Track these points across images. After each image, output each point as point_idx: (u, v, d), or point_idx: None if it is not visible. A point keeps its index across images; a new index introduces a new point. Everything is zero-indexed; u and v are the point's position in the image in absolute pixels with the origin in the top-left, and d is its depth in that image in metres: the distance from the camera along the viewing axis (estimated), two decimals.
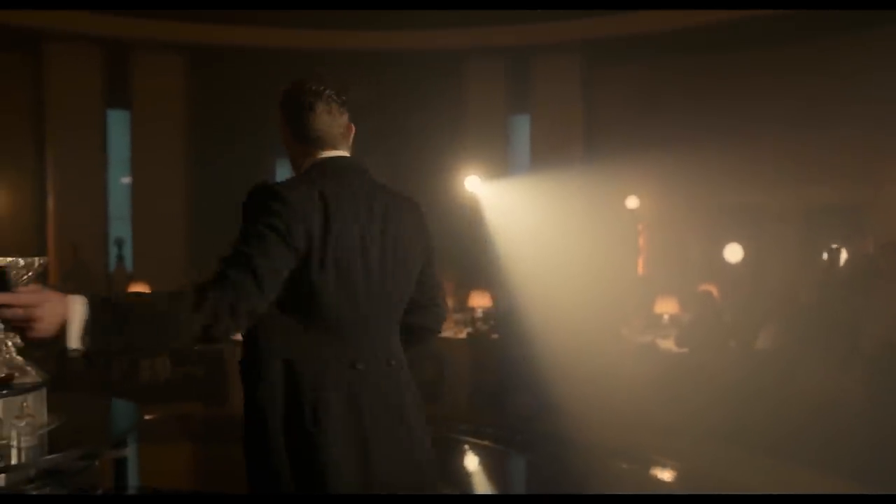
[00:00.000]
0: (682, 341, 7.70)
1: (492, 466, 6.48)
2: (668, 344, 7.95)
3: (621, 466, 6.17)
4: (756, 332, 7.83)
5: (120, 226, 12.33)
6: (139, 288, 10.16)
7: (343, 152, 2.26)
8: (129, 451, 3.39)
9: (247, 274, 1.94)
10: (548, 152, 11.75)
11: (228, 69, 12.26)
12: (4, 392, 3.15)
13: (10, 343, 3.31)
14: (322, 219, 2.07)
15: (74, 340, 1.79)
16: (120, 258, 12.09)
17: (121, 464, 3.34)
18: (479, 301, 8.83)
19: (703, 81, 11.38)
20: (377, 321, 2.19)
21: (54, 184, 11.91)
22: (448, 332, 8.73)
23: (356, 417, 2.11)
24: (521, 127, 12.59)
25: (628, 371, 7.72)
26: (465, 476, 6.20)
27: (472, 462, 6.61)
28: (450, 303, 9.45)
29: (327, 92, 2.24)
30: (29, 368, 3.29)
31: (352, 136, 2.31)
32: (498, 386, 8.06)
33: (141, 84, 12.12)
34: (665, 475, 6.10)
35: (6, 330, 3.05)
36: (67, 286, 11.05)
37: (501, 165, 12.12)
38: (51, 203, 11.92)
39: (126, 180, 12.49)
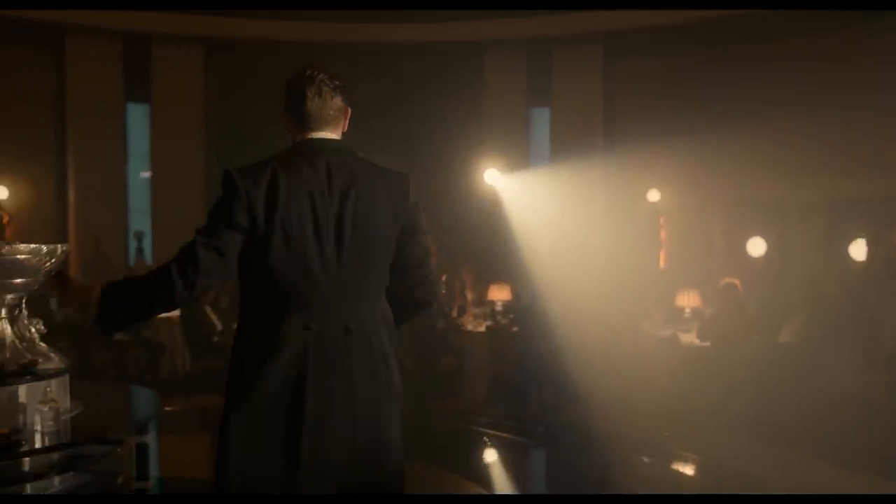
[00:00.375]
0: (704, 334, 7.68)
1: (512, 459, 6.50)
2: (689, 337, 7.94)
3: (642, 459, 6.17)
4: (779, 326, 7.80)
5: (140, 219, 12.44)
6: None
7: (330, 134, 2.48)
8: (150, 439, 3.45)
9: (190, 256, 2.32)
10: (568, 145, 11.74)
11: (247, 62, 12.32)
12: (28, 377, 3.22)
13: (33, 329, 3.38)
14: (268, 197, 2.34)
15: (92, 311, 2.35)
16: (140, 251, 12.20)
17: (142, 449, 3.39)
18: (499, 294, 8.85)
19: (726, 72, 11.33)
20: (335, 287, 2.38)
21: (75, 177, 12.05)
22: (468, 325, 8.78)
23: (301, 376, 2.33)
24: (541, 120, 12.57)
25: (649, 364, 7.72)
26: (484, 468, 6.23)
27: (491, 454, 6.63)
28: (468, 296, 9.50)
29: (320, 77, 2.46)
30: (52, 355, 3.36)
31: (347, 118, 2.53)
32: (517, 379, 8.07)
33: (160, 77, 12.23)
34: (686, 468, 6.10)
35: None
36: (87, 278, 11.20)
37: (521, 158, 12.12)
38: (72, 196, 12.06)
39: (146, 174, 12.60)
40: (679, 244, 11.84)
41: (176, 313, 9.72)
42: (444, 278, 10.05)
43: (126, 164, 12.41)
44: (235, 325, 2.51)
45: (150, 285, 2.36)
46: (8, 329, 3.32)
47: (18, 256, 3.19)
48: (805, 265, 10.29)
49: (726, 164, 11.18)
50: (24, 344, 3.33)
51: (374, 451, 2.41)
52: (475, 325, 8.77)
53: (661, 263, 11.92)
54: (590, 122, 12.03)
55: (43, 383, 3.22)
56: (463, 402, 8.30)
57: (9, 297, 3.29)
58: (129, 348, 8.91)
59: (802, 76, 10.50)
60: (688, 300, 8.38)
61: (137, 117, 12.47)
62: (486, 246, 11.54)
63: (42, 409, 3.08)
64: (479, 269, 10.40)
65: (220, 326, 9.06)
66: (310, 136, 2.46)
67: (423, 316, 2.71)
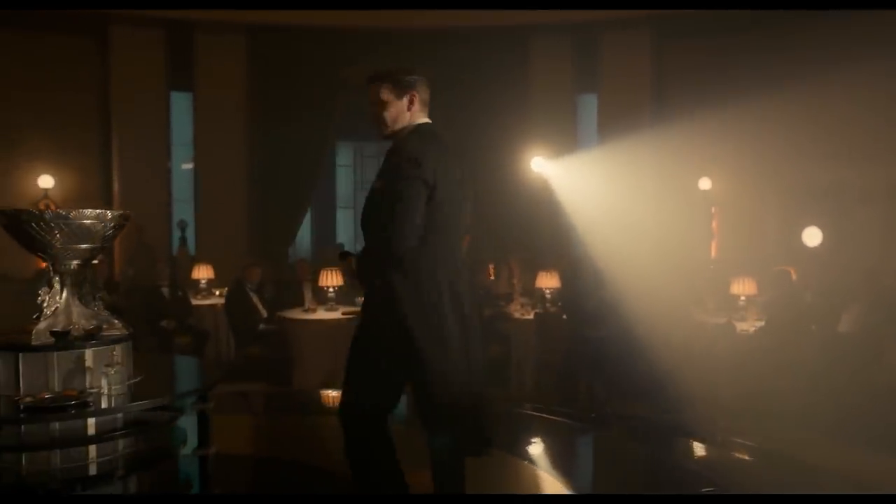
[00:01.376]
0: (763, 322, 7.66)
1: (562, 440, 6.52)
2: (744, 325, 7.90)
3: (697, 447, 6.17)
4: (838, 316, 7.74)
5: (183, 208, 12.65)
6: (204, 270, 10.48)
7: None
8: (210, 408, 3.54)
9: (399, 208, 3.11)
10: (616, 132, 11.63)
11: (290, 49, 12.44)
12: (93, 342, 3.32)
13: (97, 297, 3.49)
14: (442, 166, 3.18)
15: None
16: (183, 240, 12.41)
17: (204, 417, 3.48)
18: (547, 282, 8.86)
19: (780, 54, 11.17)
20: (461, 237, 3.35)
21: (119, 167, 12.26)
22: (515, 313, 8.81)
23: (459, 300, 3.26)
24: (589, 107, 12.53)
25: (704, 352, 7.71)
26: (532, 448, 6.26)
27: (542, 435, 6.66)
28: (516, 284, 9.53)
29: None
30: (115, 321, 3.46)
31: None
32: (567, 367, 8.08)
33: (203, 65, 12.38)
34: (742, 456, 6.07)
35: None
36: (131, 269, 11.44)
37: (569, 146, 12.08)
38: (116, 185, 12.27)
39: (188, 164, 12.80)
40: (731, 234, 11.75)
41: (220, 301, 9.95)
42: (491, 267, 10.11)
43: (170, 153, 12.59)
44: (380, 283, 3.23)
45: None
46: (73, 295, 3.43)
47: (84, 221, 3.30)
48: (864, 253, 10.15)
49: (781, 151, 11.06)
50: (88, 310, 3.44)
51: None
52: (523, 312, 8.79)
53: (713, 254, 11.85)
54: (638, 109, 11.95)
55: (108, 347, 3.33)
56: (510, 391, 8.35)
57: (74, 263, 3.40)
58: (175, 335, 9.06)
59: (860, 59, 10.31)
60: (743, 288, 8.33)
61: (181, 106, 12.66)
62: (534, 234, 11.56)
63: (109, 371, 3.18)
64: (527, 257, 10.44)
65: (265, 314, 9.20)
66: (427, 121, 3.34)
67: None
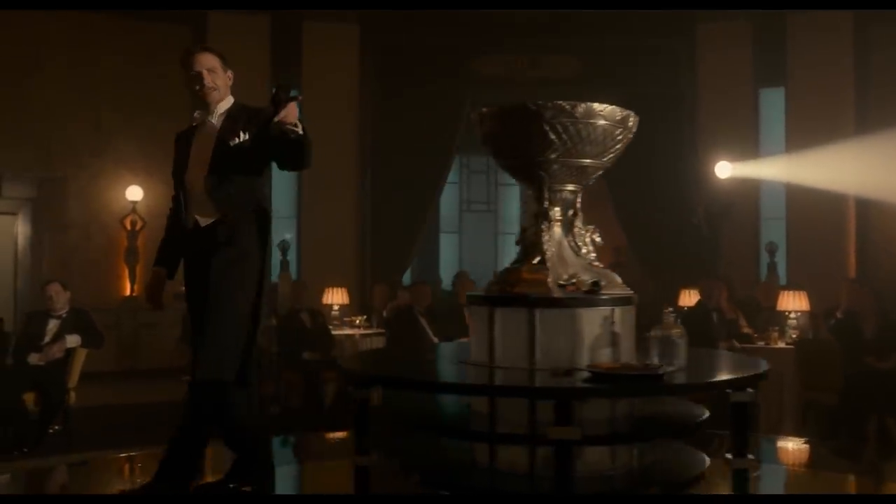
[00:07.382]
0: None
1: None
2: None
3: None
4: None
5: (284, 225, 12.03)
6: (338, 294, 9.89)
7: None
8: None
9: None
10: (810, 132, 11.02)
11: (411, 39, 12.03)
12: (592, 299, 2.58)
13: (588, 239, 2.75)
14: None
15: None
16: (284, 263, 11.78)
17: (741, 409, 2.72)
18: (793, 303, 8.12)
19: None
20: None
21: None
22: (759, 340, 8.09)
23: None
24: (774, 102, 11.91)
25: None
26: None
27: None
28: (729, 309, 8.75)
29: None
30: (616, 277, 2.73)
31: None
32: (844, 406, 7.34)
33: (311, 58, 12.00)
34: None
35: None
36: None
37: (750, 149, 11.50)
38: None
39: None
40: None
41: (359, 331, 9.30)
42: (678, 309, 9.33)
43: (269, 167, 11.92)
44: None
45: None
46: (564, 237, 2.71)
47: (595, 121, 2.56)
48: None
49: None
50: (579, 258, 2.71)
51: None
52: (771, 339, 8.03)
53: None
54: (838, 105, 11.28)
55: (628, 308, 2.59)
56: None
57: (567, 188, 2.68)
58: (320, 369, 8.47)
59: None
60: None
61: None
62: (724, 249, 10.98)
63: (677, 338, 2.44)
64: (732, 277, 9.76)
65: (435, 340, 8.56)
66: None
67: None
